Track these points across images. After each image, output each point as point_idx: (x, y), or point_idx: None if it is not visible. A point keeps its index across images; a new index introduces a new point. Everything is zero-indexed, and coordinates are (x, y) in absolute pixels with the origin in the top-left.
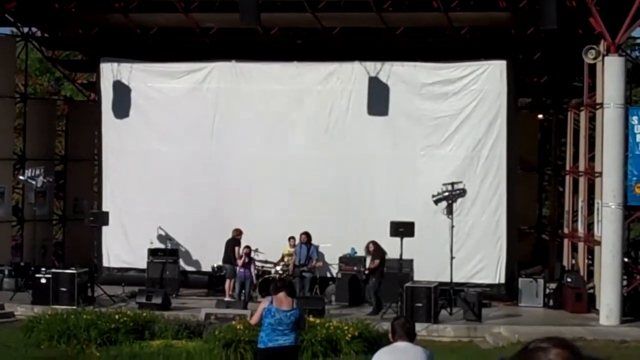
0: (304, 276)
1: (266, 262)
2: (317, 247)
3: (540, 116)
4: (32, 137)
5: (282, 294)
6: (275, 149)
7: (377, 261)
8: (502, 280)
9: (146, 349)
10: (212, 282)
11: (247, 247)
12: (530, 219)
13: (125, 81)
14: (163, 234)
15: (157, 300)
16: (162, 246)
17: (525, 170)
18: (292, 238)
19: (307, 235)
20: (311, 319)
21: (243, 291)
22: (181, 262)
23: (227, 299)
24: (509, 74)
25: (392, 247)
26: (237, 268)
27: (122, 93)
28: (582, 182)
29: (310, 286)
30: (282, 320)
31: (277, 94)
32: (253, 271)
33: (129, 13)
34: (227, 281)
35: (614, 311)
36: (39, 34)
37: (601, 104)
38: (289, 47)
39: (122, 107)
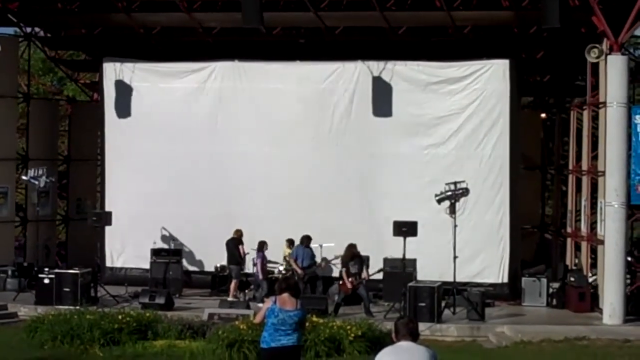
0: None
1: (269, 262)
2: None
3: (543, 115)
4: (35, 137)
5: (286, 295)
6: (279, 149)
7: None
8: (505, 280)
9: (149, 349)
10: (216, 282)
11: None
12: (533, 218)
13: (127, 81)
14: (166, 234)
15: (160, 300)
16: (165, 246)
17: (528, 170)
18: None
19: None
20: (314, 318)
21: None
22: (184, 262)
23: (230, 298)
24: (511, 73)
25: (395, 247)
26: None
27: (124, 93)
28: (585, 181)
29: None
30: (285, 320)
31: (280, 93)
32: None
33: (131, 13)
34: (234, 282)
35: (617, 310)
36: (41, 33)
37: (604, 103)
38: (292, 47)
39: (124, 107)
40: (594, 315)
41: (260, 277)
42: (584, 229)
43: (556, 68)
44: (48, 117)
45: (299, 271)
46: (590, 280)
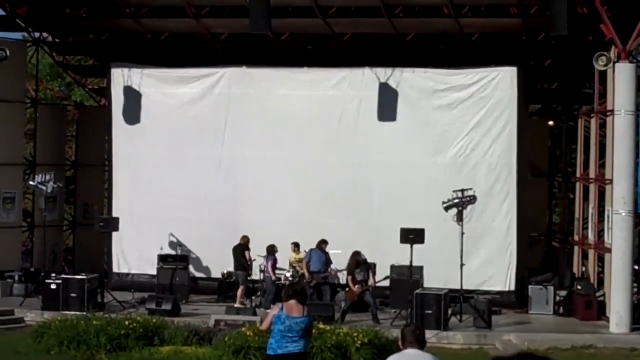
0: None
1: (277, 268)
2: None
3: (550, 123)
4: (42, 142)
5: (293, 302)
6: (286, 155)
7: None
8: (513, 288)
9: (156, 356)
10: (222, 289)
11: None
12: (541, 226)
13: (136, 87)
14: (173, 240)
15: (167, 306)
16: (172, 252)
17: (536, 177)
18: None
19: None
20: (321, 325)
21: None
22: (191, 269)
23: (237, 305)
24: (519, 81)
25: (403, 254)
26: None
27: (132, 99)
28: (593, 189)
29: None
30: (292, 327)
31: (288, 99)
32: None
33: (140, 19)
34: (241, 288)
35: (624, 319)
36: (50, 39)
37: (612, 111)
38: (300, 53)
39: (132, 112)
40: (601, 324)
41: (273, 278)
42: (591, 237)
43: (564, 76)
44: (56, 122)
45: (307, 275)
46: (598, 294)
